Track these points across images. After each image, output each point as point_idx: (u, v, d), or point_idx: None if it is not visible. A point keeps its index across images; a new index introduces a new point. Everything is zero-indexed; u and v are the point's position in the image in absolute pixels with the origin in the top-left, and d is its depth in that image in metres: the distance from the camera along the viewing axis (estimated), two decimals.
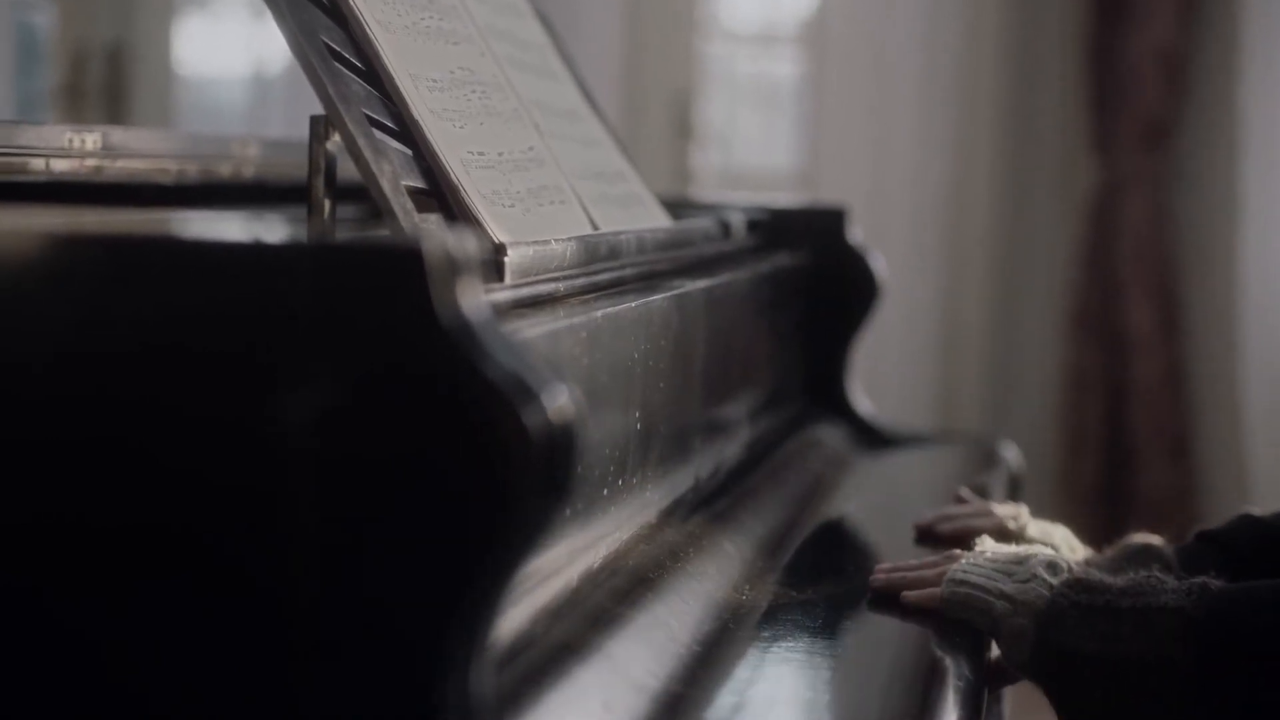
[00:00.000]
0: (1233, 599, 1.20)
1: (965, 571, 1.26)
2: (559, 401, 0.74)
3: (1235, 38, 3.82)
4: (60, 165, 1.38)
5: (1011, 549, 1.30)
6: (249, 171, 1.72)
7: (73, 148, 1.40)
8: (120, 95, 3.84)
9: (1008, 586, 1.24)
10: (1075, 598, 1.22)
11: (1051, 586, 1.23)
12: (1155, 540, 1.46)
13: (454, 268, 0.74)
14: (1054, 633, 1.21)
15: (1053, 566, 1.26)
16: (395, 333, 0.73)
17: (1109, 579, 1.24)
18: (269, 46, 4.02)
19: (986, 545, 1.32)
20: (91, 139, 1.42)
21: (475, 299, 0.74)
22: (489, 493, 0.73)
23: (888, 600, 1.28)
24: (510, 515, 0.73)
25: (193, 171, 1.61)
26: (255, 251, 0.76)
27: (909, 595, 1.28)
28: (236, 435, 0.74)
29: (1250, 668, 1.17)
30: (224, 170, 1.68)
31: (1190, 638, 1.17)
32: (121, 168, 1.47)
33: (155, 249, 0.78)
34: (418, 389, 0.73)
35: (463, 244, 0.75)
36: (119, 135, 1.48)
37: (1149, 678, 1.18)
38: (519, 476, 0.72)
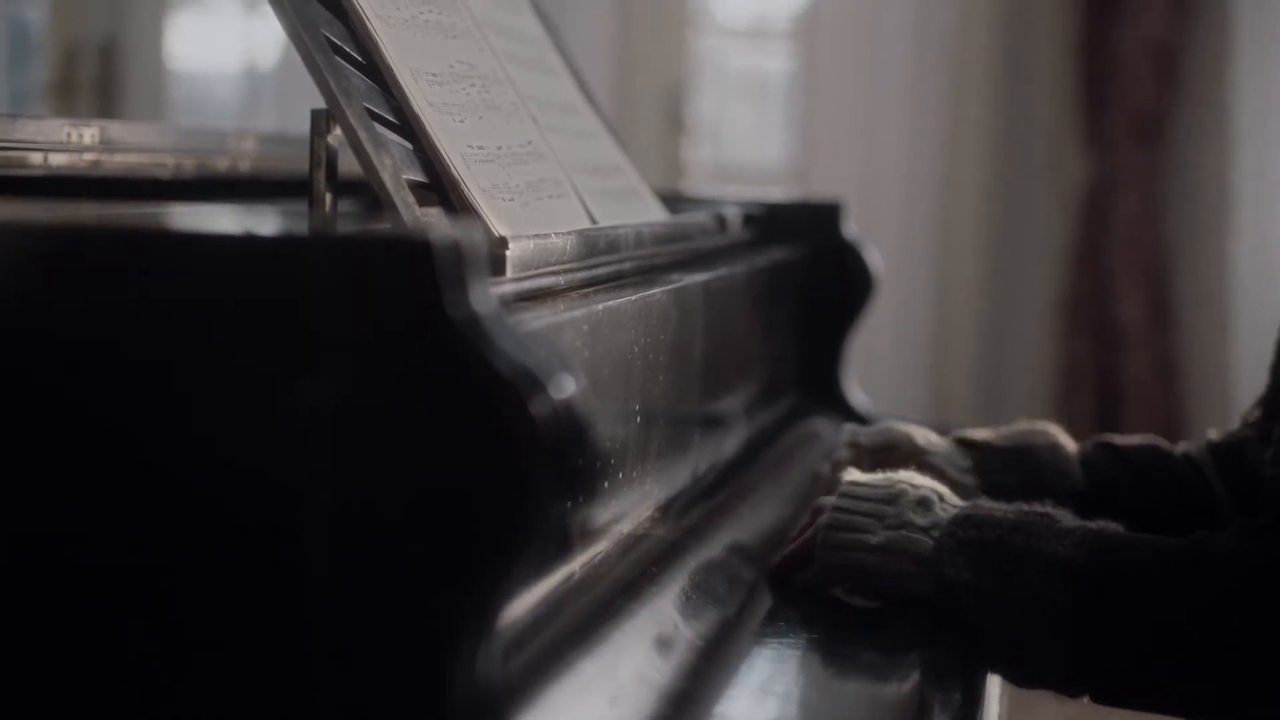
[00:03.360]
0: (1115, 549, 1.19)
1: (834, 533, 1.24)
2: (567, 393, 0.74)
3: (1226, 32, 3.83)
4: (58, 159, 1.38)
5: (879, 486, 1.26)
6: (245, 165, 1.72)
7: (70, 142, 1.40)
8: (112, 91, 3.83)
9: (878, 538, 1.22)
10: (964, 535, 1.20)
11: (927, 530, 1.21)
12: (1058, 438, 1.57)
13: (462, 260, 0.74)
14: (948, 570, 1.19)
15: (924, 504, 1.24)
16: (404, 324, 0.73)
17: (998, 512, 1.22)
18: (261, 42, 4.02)
19: (850, 488, 1.27)
20: (89, 133, 1.42)
21: (483, 291, 0.74)
22: (498, 484, 0.73)
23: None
24: (519, 506, 0.73)
25: (190, 166, 1.61)
26: (263, 244, 0.76)
27: (800, 579, 1.25)
28: (244, 429, 0.74)
29: (1121, 617, 1.16)
30: (221, 164, 1.68)
31: (1069, 580, 1.16)
32: (119, 162, 1.47)
33: (161, 242, 0.77)
34: (426, 381, 0.73)
35: (470, 236, 0.75)
36: (116, 129, 1.48)
37: (1024, 611, 1.17)
38: (528, 468, 0.72)
